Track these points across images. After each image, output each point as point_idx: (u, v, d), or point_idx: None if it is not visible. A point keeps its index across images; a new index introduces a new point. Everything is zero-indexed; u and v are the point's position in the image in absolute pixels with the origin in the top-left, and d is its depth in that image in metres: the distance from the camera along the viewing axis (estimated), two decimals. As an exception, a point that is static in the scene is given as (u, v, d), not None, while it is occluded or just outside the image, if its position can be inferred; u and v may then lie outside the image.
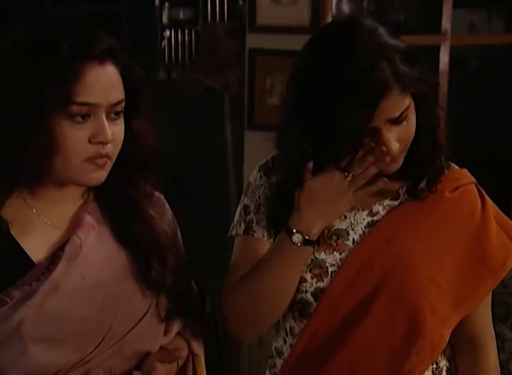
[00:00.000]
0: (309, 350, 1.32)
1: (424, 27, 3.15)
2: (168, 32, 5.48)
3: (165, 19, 5.50)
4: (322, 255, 1.30)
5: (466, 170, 1.40)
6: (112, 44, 1.18)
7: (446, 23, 2.56)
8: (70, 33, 1.16)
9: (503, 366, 2.35)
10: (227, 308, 1.33)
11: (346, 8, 3.54)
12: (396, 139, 1.21)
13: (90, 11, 5.40)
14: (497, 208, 1.39)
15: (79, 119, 1.14)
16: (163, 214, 1.33)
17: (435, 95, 1.29)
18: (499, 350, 2.36)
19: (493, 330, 1.43)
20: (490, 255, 1.33)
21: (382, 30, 1.21)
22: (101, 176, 1.21)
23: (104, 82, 1.16)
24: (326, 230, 1.31)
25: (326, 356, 1.30)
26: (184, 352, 1.25)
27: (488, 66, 3.81)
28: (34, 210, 1.22)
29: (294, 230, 1.25)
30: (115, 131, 1.18)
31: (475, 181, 1.39)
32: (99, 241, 1.23)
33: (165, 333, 1.31)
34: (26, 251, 1.19)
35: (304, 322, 1.32)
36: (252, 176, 1.40)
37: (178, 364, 1.30)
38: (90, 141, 1.16)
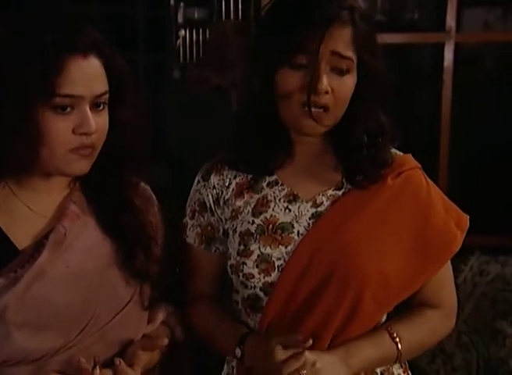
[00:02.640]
0: None
1: (439, 26, 3.13)
2: (183, 31, 5.50)
3: (180, 19, 5.51)
4: (268, 250, 1.29)
5: (410, 155, 1.38)
6: (96, 37, 1.20)
7: (450, 21, 2.55)
8: (55, 26, 1.18)
9: (504, 361, 2.34)
10: (188, 317, 1.42)
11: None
12: (330, 86, 1.22)
13: (107, 10, 5.45)
14: (442, 193, 1.37)
15: (62, 110, 1.17)
16: (148, 205, 1.35)
17: (379, 78, 1.27)
18: (501, 346, 2.35)
19: (450, 298, 1.39)
20: (435, 239, 1.31)
21: None
22: (85, 166, 1.23)
23: (87, 74, 1.18)
24: (271, 225, 1.31)
25: None
26: (166, 341, 1.26)
27: (503, 64, 3.78)
28: (20, 199, 1.24)
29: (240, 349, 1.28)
30: (98, 122, 1.21)
31: (420, 166, 1.37)
32: (84, 229, 1.25)
33: (150, 321, 1.34)
34: (11, 239, 1.21)
35: (258, 316, 1.32)
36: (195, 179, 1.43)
37: (161, 351, 1.33)
38: (74, 132, 1.19)
